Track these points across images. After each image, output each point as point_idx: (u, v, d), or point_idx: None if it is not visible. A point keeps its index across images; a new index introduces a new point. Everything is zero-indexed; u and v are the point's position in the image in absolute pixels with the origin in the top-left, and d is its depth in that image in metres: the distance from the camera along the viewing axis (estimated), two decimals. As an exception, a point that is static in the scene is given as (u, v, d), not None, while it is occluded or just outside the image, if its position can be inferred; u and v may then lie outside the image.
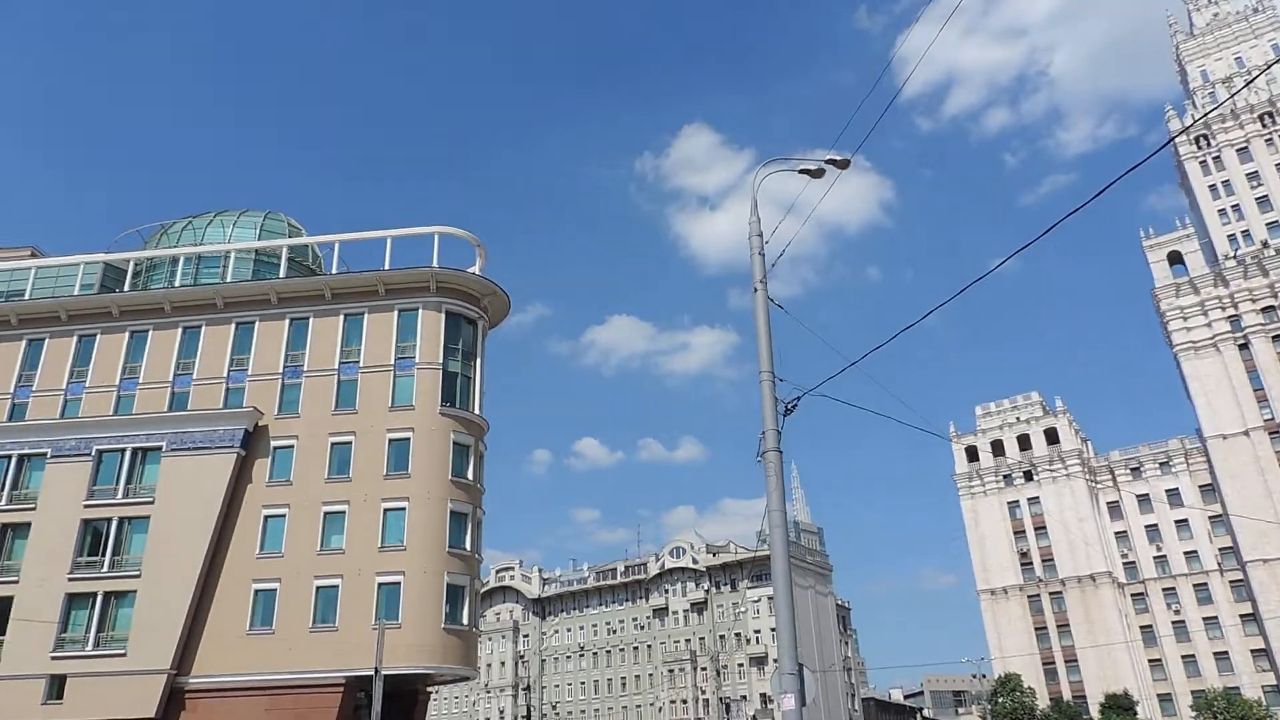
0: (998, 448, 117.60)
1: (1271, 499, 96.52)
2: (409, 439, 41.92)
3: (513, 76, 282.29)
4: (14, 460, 42.78)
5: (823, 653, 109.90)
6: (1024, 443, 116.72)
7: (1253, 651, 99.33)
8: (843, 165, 15.82)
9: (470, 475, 43.00)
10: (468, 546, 41.57)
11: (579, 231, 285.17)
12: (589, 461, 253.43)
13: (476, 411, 44.67)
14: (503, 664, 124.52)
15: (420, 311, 44.84)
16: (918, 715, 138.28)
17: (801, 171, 15.80)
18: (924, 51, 14.91)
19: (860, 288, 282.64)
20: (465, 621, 40.46)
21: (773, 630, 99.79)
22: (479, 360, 46.05)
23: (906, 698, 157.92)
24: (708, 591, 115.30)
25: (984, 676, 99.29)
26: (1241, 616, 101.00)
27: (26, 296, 47.19)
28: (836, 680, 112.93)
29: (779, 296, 15.18)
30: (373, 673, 29.46)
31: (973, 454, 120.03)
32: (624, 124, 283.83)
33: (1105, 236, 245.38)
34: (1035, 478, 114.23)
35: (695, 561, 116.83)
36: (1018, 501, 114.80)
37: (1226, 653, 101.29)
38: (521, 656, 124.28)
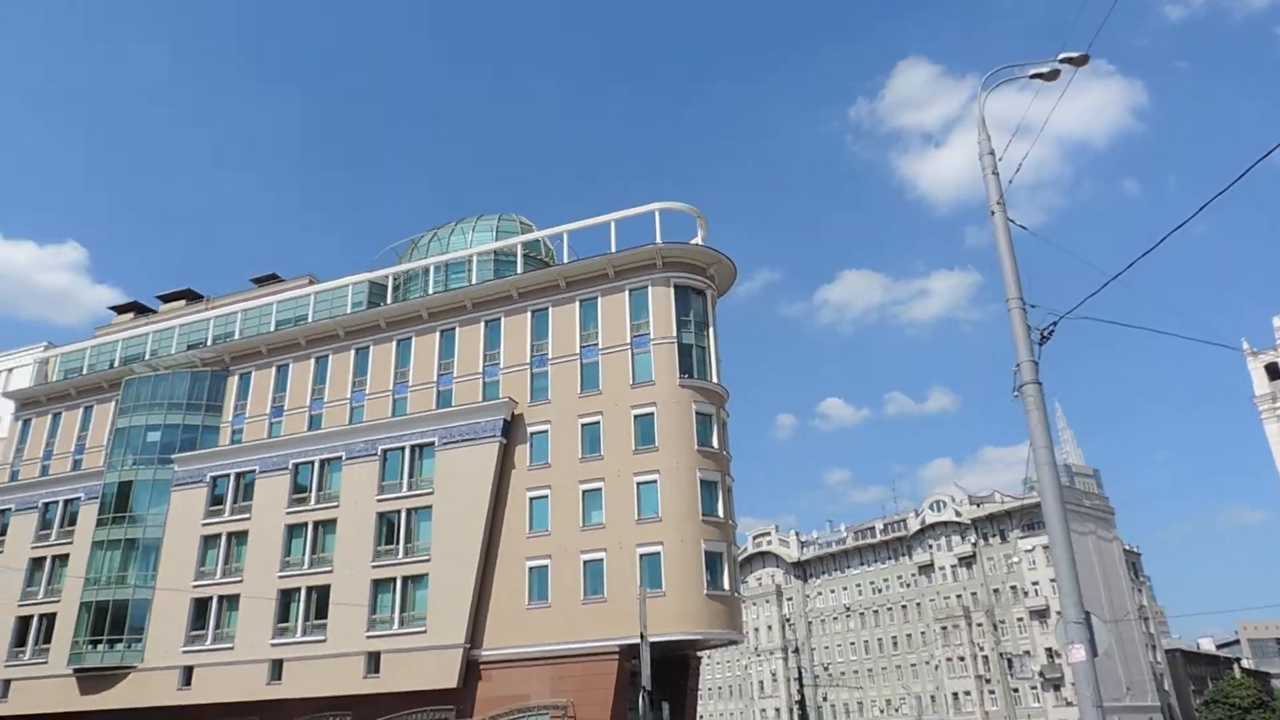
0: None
1: None
2: (652, 413, 42.98)
3: (713, 38, 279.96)
4: (317, 465, 48.52)
5: (1112, 602, 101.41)
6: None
7: None
8: (1080, 62, 14.14)
9: (715, 443, 43.43)
10: (720, 513, 42.08)
11: (799, 191, 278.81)
12: (834, 422, 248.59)
13: (715, 380, 44.99)
14: (769, 627, 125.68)
15: (650, 289, 45.73)
16: (1235, 665, 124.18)
17: (1034, 76, 14.28)
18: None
19: (1118, 205, 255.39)
20: (726, 587, 41.04)
21: (1052, 581, 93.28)
22: (712, 330, 46.32)
23: (1219, 647, 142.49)
24: (975, 545, 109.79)
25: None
26: None
27: (309, 319, 53.19)
28: (1132, 631, 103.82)
29: (1031, 223, 13.83)
30: (640, 639, 30.53)
31: (1274, 372, 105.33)
32: (832, 72, 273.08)
33: None
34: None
35: (958, 514, 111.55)
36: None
37: None
38: (787, 619, 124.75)
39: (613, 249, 46.79)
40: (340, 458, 48.09)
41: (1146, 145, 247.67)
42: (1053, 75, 14.16)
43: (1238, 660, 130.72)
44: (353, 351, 51.44)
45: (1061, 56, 14.06)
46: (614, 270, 46.43)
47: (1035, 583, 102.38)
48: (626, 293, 46.19)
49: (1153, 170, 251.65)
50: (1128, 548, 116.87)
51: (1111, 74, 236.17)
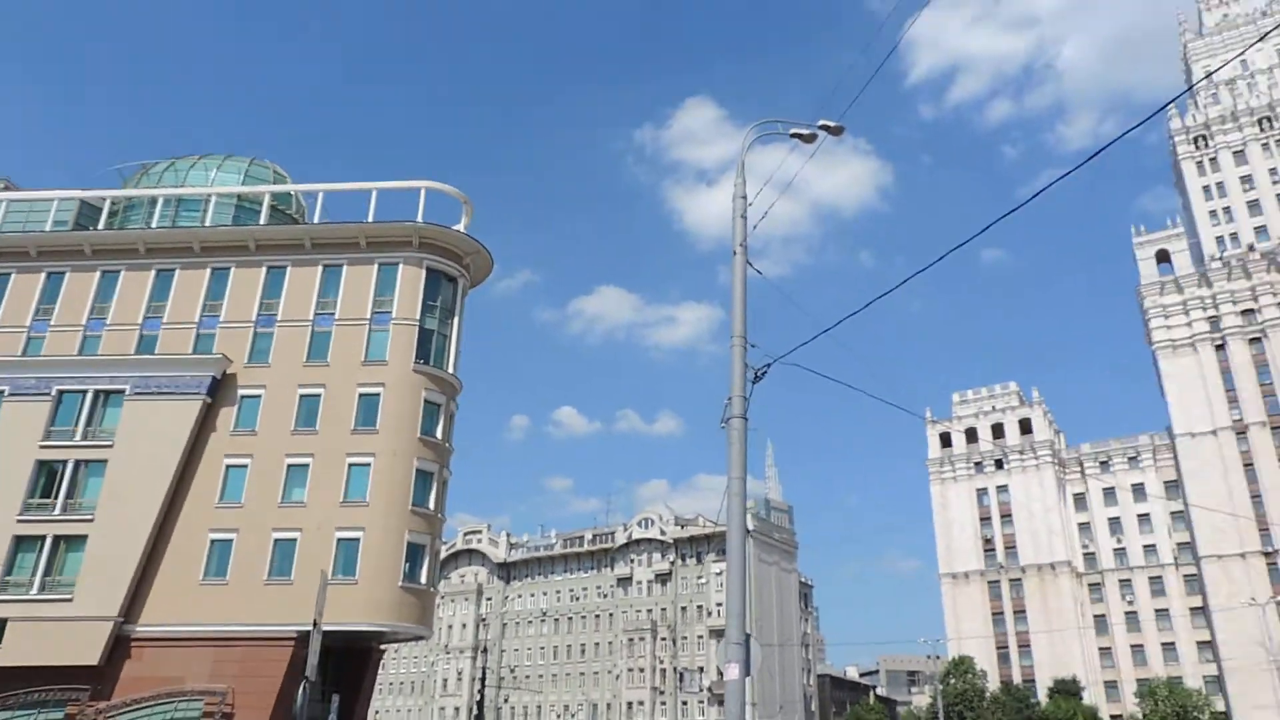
0: (971, 435, 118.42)
1: (1231, 498, 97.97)
2: (379, 394, 41.16)
3: (516, 41, 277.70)
4: (-32, 396, 41.56)
5: (782, 628, 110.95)
6: (998, 431, 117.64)
7: (1198, 643, 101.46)
8: (836, 131, 15.23)
9: (440, 434, 42.36)
10: (431, 505, 41.02)
11: (573, 200, 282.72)
12: (567, 430, 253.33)
13: (451, 370, 43.94)
14: (464, 626, 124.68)
15: (401, 266, 43.87)
16: (871, 692, 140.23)
17: (793, 134, 15.19)
18: (904, 25, 14.26)
19: (851, 272, 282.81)
20: (424, 581, 39.99)
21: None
22: (457, 319, 45.22)
23: (862, 675, 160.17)
24: (673, 563, 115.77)
25: (938, 658, 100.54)
26: (1191, 609, 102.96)
27: (-7, 228, 45.72)
28: (794, 656, 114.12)
29: (769, 273, 14.66)
30: (312, 626, 28.78)
31: (946, 440, 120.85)
32: (626, 94, 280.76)
33: (1098, 233, 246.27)
34: (1006, 466, 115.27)
35: (663, 533, 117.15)
36: (986, 489, 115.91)
37: (1174, 643, 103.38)
38: (483, 619, 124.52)
39: (369, 219, 44.50)
40: (2, 392, 41.58)
41: (885, 223, 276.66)
42: (811, 138, 15.12)
43: (874, 688, 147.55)
44: (44, 275, 44.79)
45: (820, 123, 15.07)
46: (366, 240, 44.13)
47: (720, 604, 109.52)
48: (375, 266, 44.02)
49: (887, 246, 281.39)
50: (803, 580, 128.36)
51: (869, 153, 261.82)
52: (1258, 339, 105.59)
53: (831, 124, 15.05)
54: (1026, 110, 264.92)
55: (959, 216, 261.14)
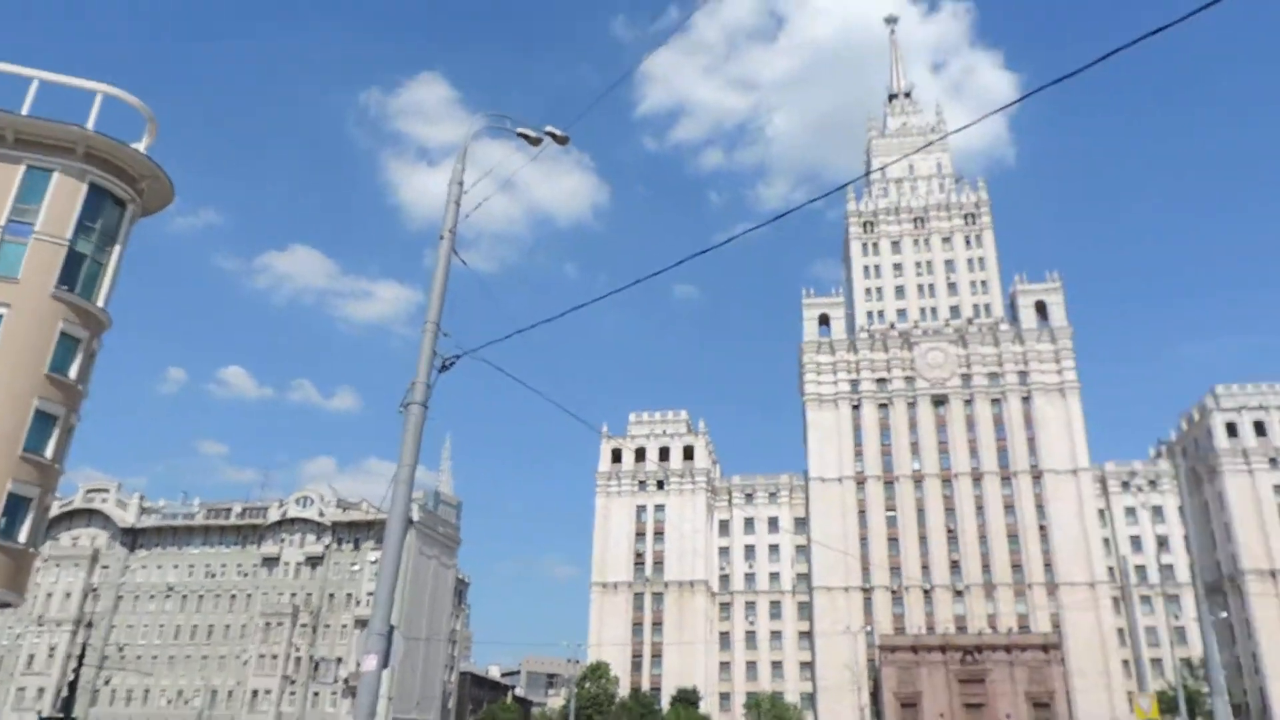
0: (640, 454, 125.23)
1: (845, 538, 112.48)
2: (2, 315, 35.21)
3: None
4: None
5: (432, 622, 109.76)
6: (664, 454, 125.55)
7: (801, 663, 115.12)
8: (561, 140, 15.55)
9: (74, 374, 37.05)
10: (49, 454, 35.70)
11: (279, 148, 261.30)
12: (232, 391, 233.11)
13: (101, 304, 38.64)
14: (68, 595, 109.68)
15: (56, 173, 37.79)
16: (509, 693, 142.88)
17: (520, 134, 15.27)
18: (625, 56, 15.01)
19: (555, 280, 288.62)
20: (23, 540, 34.61)
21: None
22: (119, 248, 39.83)
23: (504, 675, 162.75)
24: (328, 547, 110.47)
25: (578, 662, 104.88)
26: (800, 633, 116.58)
27: None
28: (440, 651, 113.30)
29: (475, 266, 14.55)
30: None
31: (617, 456, 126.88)
32: (358, 48, 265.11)
33: (776, 289, 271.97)
34: (666, 487, 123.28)
35: (322, 514, 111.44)
36: (646, 506, 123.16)
37: (781, 662, 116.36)
38: (94, 590, 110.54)
39: (25, 111, 38.06)
40: None
41: (595, 240, 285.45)
42: (536, 141, 15.28)
43: (514, 688, 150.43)
44: None
45: (548, 129, 15.29)
46: (15, 135, 37.59)
47: (370, 593, 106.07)
48: (24, 167, 37.55)
49: (592, 262, 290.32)
50: (461, 576, 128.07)
51: (591, 170, 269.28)
52: (885, 405, 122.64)
53: (558, 133, 15.34)
54: (735, 164, 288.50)
55: (661, 247, 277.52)
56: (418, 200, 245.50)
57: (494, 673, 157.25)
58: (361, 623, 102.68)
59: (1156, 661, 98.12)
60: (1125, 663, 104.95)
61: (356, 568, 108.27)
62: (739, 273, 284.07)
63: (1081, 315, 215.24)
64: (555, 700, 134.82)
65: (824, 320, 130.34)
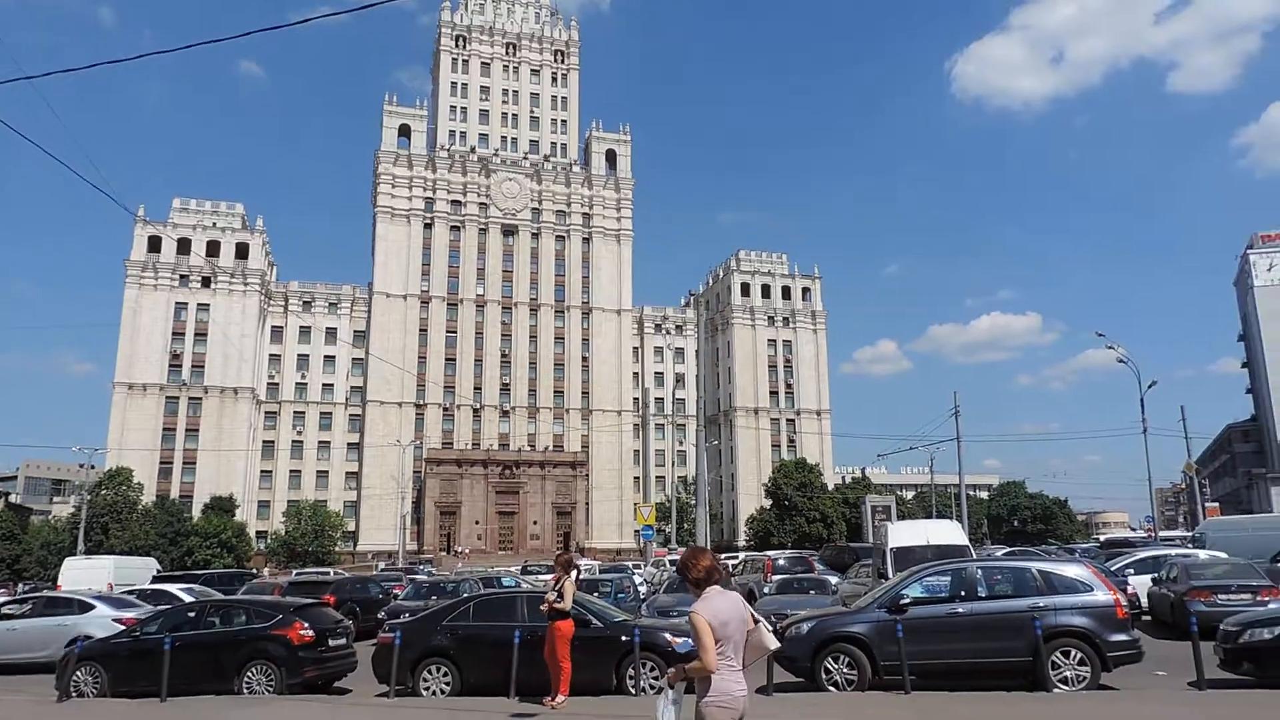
0: (184, 246, 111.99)
1: (404, 355, 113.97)
2: None
3: None
4: None
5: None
6: (213, 249, 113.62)
7: (348, 474, 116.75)
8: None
9: None
10: None
11: None
12: None
13: None
14: None
15: None
16: (4, 498, 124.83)
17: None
18: None
19: (85, 24, 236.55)
20: None
21: None
22: None
23: (2, 479, 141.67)
24: None
25: (94, 468, 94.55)
26: (350, 444, 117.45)
27: None
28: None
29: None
30: None
31: (155, 245, 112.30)
32: None
33: (358, 87, 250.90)
34: (213, 286, 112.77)
35: None
36: (187, 304, 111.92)
37: (328, 472, 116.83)
38: None
39: None
40: None
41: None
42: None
43: (8, 494, 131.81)
44: None
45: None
46: None
47: None
48: None
49: (135, 13, 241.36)
50: None
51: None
52: (458, 227, 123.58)
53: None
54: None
55: (226, 12, 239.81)
56: None
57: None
58: None
59: (661, 479, 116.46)
60: (636, 479, 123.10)
61: None
62: (316, 62, 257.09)
63: (645, 170, 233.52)
64: (63, 508, 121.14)
65: (405, 132, 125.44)
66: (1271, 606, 16.27)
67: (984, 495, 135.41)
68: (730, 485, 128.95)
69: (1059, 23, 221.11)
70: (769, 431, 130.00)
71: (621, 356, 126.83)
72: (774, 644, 6.28)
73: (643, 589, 33.40)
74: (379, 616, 25.80)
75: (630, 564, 56.14)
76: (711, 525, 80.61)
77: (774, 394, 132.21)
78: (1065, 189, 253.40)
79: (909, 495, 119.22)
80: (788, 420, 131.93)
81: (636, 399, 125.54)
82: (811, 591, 25.18)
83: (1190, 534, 42.33)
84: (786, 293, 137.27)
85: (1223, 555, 24.86)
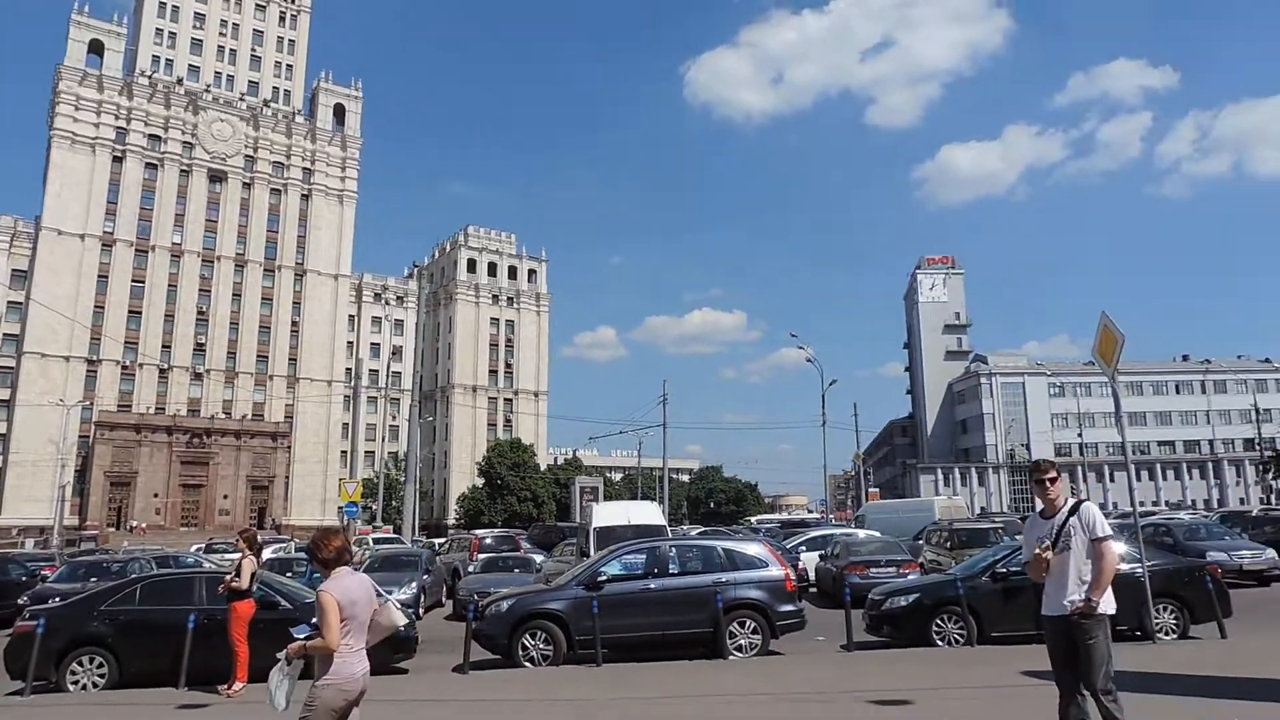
0: None
1: (77, 303, 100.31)
2: None
3: None
4: None
5: None
6: None
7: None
8: None
9: None
10: None
11: None
12: None
13: None
14: None
15: None
16: None
17: None
18: None
19: None
20: None
21: None
22: None
23: None
24: None
25: None
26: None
27: None
28: None
29: None
30: None
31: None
32: None
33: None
34: None
35: None
36: None
37: None
38: None
39: None
40: None
41: None
42: None
43: None
44: None
45: None
46: None
47: None
48: None
49: None
50: None
51: None
52: (155, 165, 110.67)
53: None
54: None
55: None
56: None
57: None
58: None
59: (370, 454, 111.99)
60: (344, 453, 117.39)
61: None
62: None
63: (376, 133, 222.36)
64: None
65: (97, 49, 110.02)
66: (910, 578, 18.72)
67: (685, 479, 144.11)
68: (444, 463, 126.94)
69: (781, 46, 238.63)
70: (486, 410, 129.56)
71: (336, 324, 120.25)
72: (402, 620, 6.32)
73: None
74: (19, 602, 22.40)
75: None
76: (421, 503, 78.97)
77: (494, 372, 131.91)
78: (774, 200, 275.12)
79: (618, 477, 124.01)
80: (505, 400, 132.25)
81: (349, 369, 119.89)
82: (516, 570, 25.29)
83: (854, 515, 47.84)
84: (513, 273, 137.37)
85: (877, 534, 28.35)
